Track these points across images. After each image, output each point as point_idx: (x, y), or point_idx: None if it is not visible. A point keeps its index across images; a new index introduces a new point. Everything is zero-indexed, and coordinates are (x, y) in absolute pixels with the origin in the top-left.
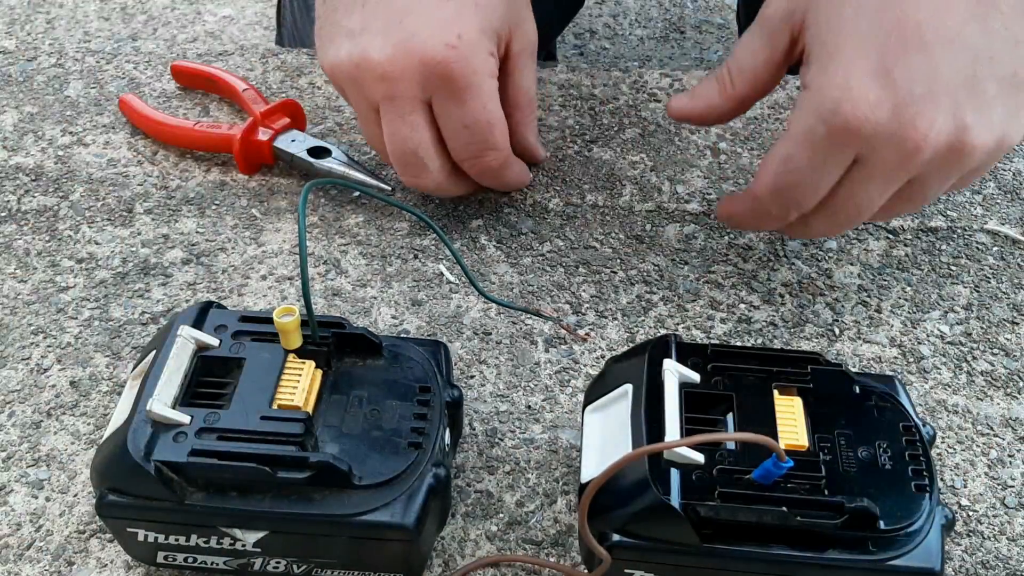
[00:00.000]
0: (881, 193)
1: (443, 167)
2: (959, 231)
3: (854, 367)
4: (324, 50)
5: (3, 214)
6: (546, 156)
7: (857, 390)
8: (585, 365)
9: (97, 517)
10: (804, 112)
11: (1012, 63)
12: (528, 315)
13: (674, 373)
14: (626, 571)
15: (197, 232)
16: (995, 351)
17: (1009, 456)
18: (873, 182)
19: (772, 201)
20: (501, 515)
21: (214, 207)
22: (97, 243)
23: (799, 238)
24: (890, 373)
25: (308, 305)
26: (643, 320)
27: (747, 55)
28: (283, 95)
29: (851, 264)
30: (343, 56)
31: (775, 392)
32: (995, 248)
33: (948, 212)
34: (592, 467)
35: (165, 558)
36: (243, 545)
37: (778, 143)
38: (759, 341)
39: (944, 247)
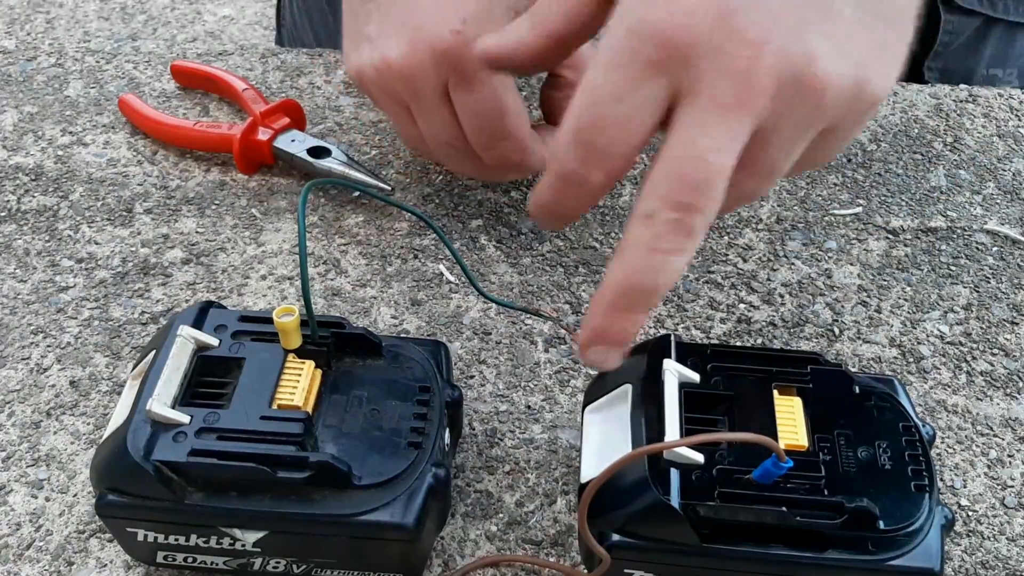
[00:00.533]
0: (716, 140)
1: (471, 151)
2: (959, 231)
3: (854, 367)
4: (349, 59)
5: (3, 214)
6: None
7: (857, 390)
8: (585, 365)
9: (97, 517)
10: (611, 29)
11: None
12: (528, 315)
13: (674, 373)
14: (626, 571)
15: (197, 232)
16: (995, 351)
17: (1009, 456)
18: (703, 124)
19: (573, 152)
20: (501, 515)
21: (214, 207)
22: (97, 243)
23: None
24: (890, 373)
25: (308, 305)
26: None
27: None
28: (283, 95)
29: (851, 264)
30: (366, 63)
31: (775, 392)
32: (995, 248)
33: (948, 212)
34: (592, 467)
35: (165, 558)
36: (243, 545)
37: (585, 76)
38: (759, 341)
39: (944, 247)
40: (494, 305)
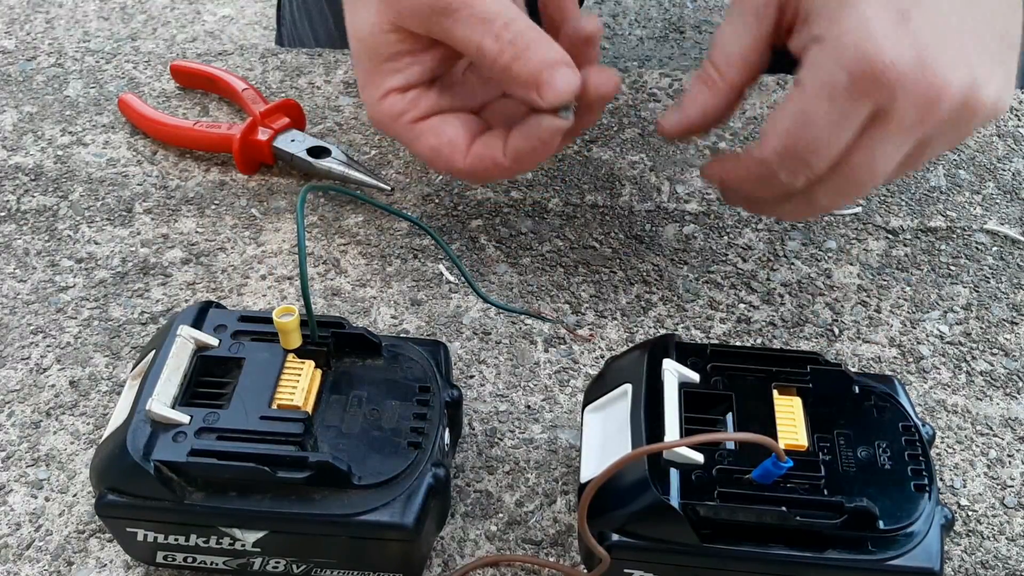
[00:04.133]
0: (897, 150)
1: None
2: (959, 231)
3: (853, 367)
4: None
5: (2, 214)
6: (591, 26)
7: (856, 390)
8: (585, 365)
9: (96, 517)
10: (820, 64)
11: (1004, 21)
12: (529, 316)
13: (674, 373)
14: (625, 571)
15: (196, 232)
16: (994, 351)
17: (1008, 456)
18: (890, 138)
19: (781, 164)
20: (501, 515)
21: (213, 207)
22: (96, 243)
23: (794, 218)
24: (889, 373)
25: (308, 305)
26: (643, 320)
27: (731, 40)
28: (283, 95)
29: (851, 264)
30: (348, 38)
31: (774, 392)
32: (995, 248)
33: (948, 212)
34: (591, 467)
35: (164, 558)
36: (243, 545)
37: (789, 100)
38: (759, 341)
39: (944, 247)
40: (494, 305)
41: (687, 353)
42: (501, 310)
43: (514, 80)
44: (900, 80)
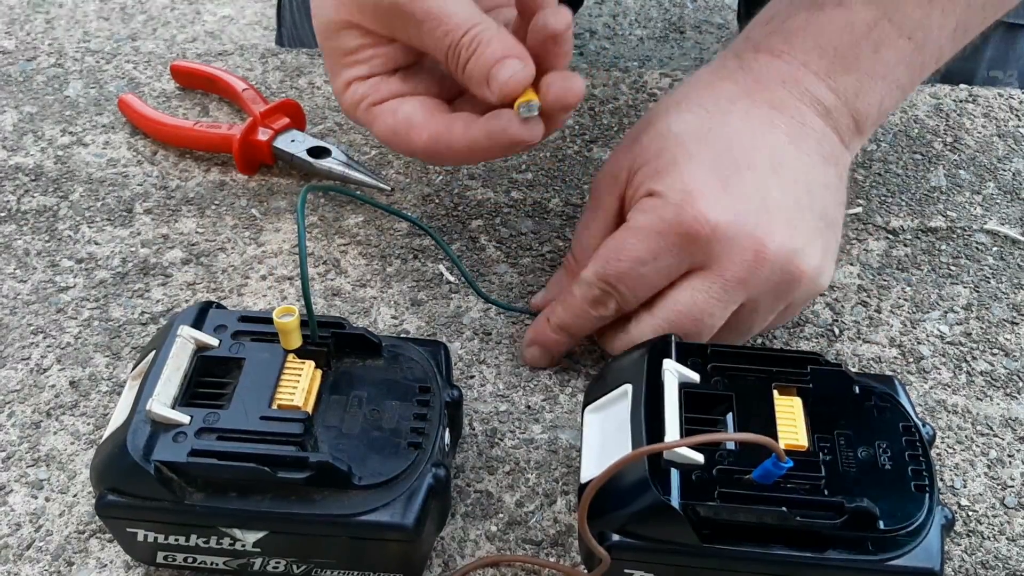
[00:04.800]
0: (721, 305)
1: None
2: (959, 231)
3: (854, 367)
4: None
5: (3, 214)
6: (560, 21)
7: (857, 390)
8: (585, 365)
9: (97, 517)
10: (648, 209)
11: (822, 201)
12: (529, 316)
13: (674, 373)
14: (626, 571)
15: (197, 232)
16: (995, 351)
17: (1009, 456)
18: (711, 289)
19: (599, 287)
20: (501, 515)
21: (214, 207)
22: (97, 243)
23: (612, 351)
24: (890, 373)
25: (308, 306)
26: None
27: (586, 235)
28: (283, 95)
29: (851, 264)
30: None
31: (775, 392)
32: (995, 248)
33: (948, 212)
34: (592, 467)
35: (165, 558)
36: (243, 545)
37: (617, 233)
38: (759, 341)
39: (944, 247)
40: (494, 305)
41: (687, 353)
42: (503, 310)
43: (469, 78)
44: (718, 237)
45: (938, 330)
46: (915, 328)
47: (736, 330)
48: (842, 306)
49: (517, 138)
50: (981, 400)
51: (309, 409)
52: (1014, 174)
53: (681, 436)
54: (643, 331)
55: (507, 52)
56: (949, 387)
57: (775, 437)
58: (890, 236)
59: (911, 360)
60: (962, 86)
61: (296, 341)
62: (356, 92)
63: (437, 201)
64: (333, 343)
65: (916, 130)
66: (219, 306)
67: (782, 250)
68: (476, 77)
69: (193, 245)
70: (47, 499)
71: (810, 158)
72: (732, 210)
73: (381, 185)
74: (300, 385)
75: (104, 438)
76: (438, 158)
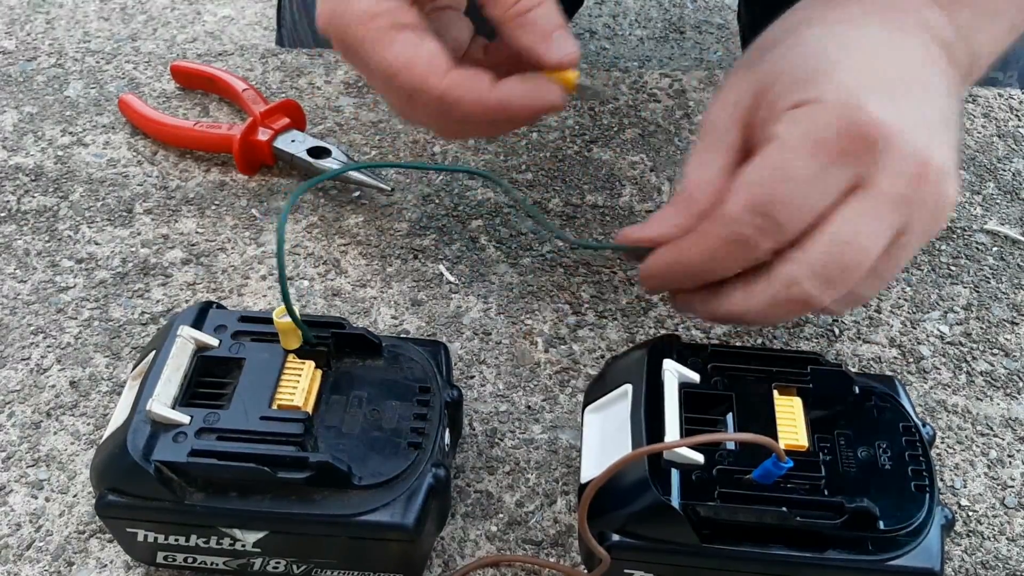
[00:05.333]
0: (881, 227)
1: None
2: (959, 231)
3: (854, 367)
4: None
5: (3, 214)
6: (566, 55)
7: (857, 390)
8: (585, 365)
9: (97, 517)
10: (802, 120)
11: (955, 133)
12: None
13: (674, 373)
14: (626, 571)
15: (197, 232)
16: (995, 351)
17: (1009, 456)
18: (874, 210)
19: (750, 221)
20: (501, 515)
21: (214, 207)
22: (97, 243)
23: (769, 315)
24: (890, 373)
25: (289, 307)
26: (643, 320)
27: (704, 173)
28: (283, 95)
29: None
30: (322, 13)
31: (775, 392)
32: (995, 248)
33: None
34: (592, 467)
35: (165, 558)
36: (243, 545)
37: (763, 155)
38: (759, 341)
39: (944, 247)
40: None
41: (687, 353)
42: (590, 249)
43: (525, 26)
44: (888, 143)
45: (938, 330)
46: (915, 328)
47: (887, 266)
48: None
49: (553, 105)
50: (981, 400)
51: (309, 409)
52: (1014, 174)
53: (681, 436)
54: (794, 273)
55: (565, 25)
56: (949, 387)
57: (775, 437)
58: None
59: (911, 360)
60: None
61: (296, 341)
62: (368, 5)
63: (437, 201)
64: (333, 343)
65: None
66: (219, 306)
67: (941, 170)
68: (539, 30)
69: (193, 245)
70: (47, 499)
71: (942, 86)
72: (899, 116)
73: (381, 185)
74: (300, 385)
75: (104, 438)
76: (449, 110)
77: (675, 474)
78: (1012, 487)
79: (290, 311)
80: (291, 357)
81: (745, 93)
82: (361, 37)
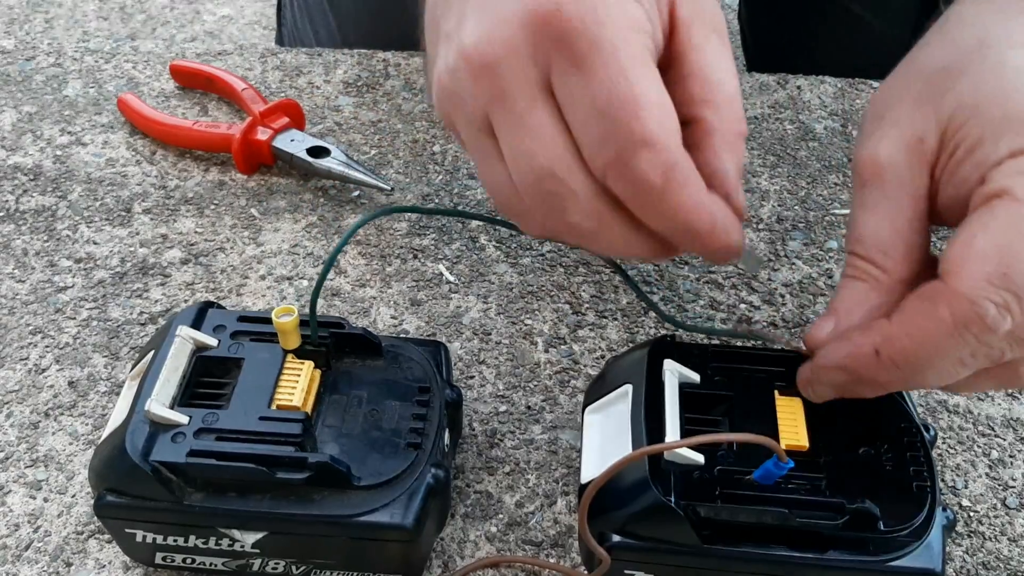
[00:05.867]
0: None
1: (598, 190)
2: None
3: None
4: (429, 78)
5: (1, 214)
6: (743, 205)
7: None
8: (585, 365)
9: (95, 518)
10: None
11: None
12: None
13: (674, 373)
14: (626, 572)
15: (196, 232)
16: None
17: (1010, 457)
18: None
19: (994, 298)
20: (501, 516)
21: (213, 207)
22: (95, 243)
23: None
24: None
25: (313, 309)
26: (643, 320)
27: (885, 231)
28: (282, 95)
29: None
30: (440, 72)
31: (776, 392)
32: None
33: None
34: (592, 468)
35: (164, 559)
36: (242, 546)
37: (997, 214)
38: (759, 341)
39: (944, 247)
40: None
41: (687, 353)
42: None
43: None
44: None
45: None
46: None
47: None
48: None
49: (730, 248)
50: (982, 400)
51: (308, 409)
52: None
53: (681, 436)
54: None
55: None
56: None
57: (776, 437)
58: None
59: None
60: None
61: (295, 341)
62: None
63: (437, 201)
64: (333, 343)
65: None
66: (218, 306)
67: None
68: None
69: (192, 245)
70: (45, 500)
71: None
72: None
73: (381, 185)
74: (299, 385)
75: (103, 438)
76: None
77: (675, 475)
78: (1013, 487)
79: (312, 311)
80: (290, 357)
81: (930, 131)
82: (610, 36)
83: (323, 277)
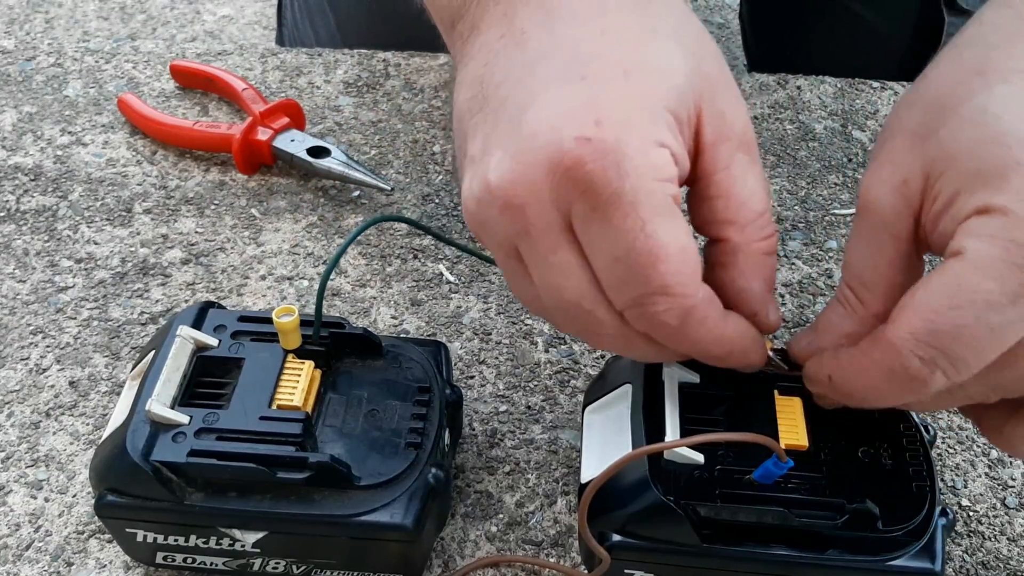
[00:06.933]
0: None
1: (624, 320)
2: None
3: None
4: (463, 196)
5: (2, 214)
6: (779, 320)
7: None
8: (585, 365)
9: (96, 517)
10: (988, 236)
11: None
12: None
13: (674, 373)
14: (626, 571)
15: (196, 232)
16: None
17: (1009, 456)
18: None
19: (919, 354)
20: (501, 515)
21: (213, 207)
22: (96, 243)
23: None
24: None
25: (319, 309)
26: None
27: (866, 264)
28: (282, 95)
29: None
30: (466, 195)
31: (775, 392)
32: None
33: None
34: (592, 467)
35: (164, 558)
36: (242, 545)
37: (941, 272)
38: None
39: None
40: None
41: None
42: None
43: (762, 267)
44: None
45: None
46: None
47: None
48: None
49: (751, 364)
50: None
51: (308, 409)
52: None
53: (681, 436)
54: (971, 392)
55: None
56: None
57: (776, 437)
58: None
59: None
60: None
61: (296, 341)
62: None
63: (437, 201)
64: (333, 343)
65: None
66: (218, 306)
67: None
68: (770, 280)
69: (192, 245)
70: (46, 499)
71: None
72: None
73: (381, 185)
74: (300, 385)
75: (103, 438)
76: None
77: (675, 474)
78: (1013, 487)
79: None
80: (291, 357)
81: (912, 176)
82: (631, 188)
83: (326, 277)
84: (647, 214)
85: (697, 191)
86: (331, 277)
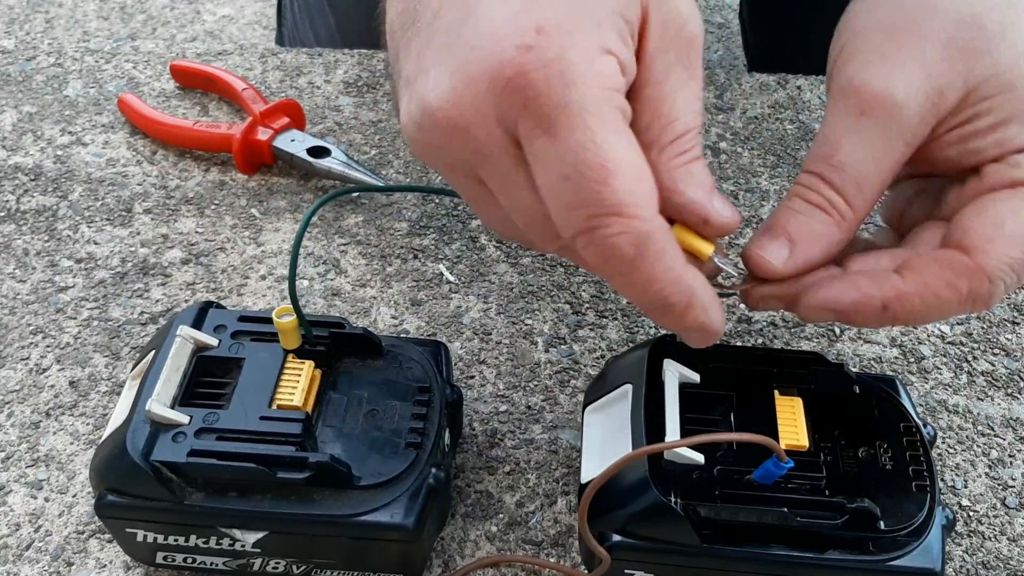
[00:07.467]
0: None
1: None
2: None
3: (854, 367)
4: (401, 121)
5: (2, 214)
6: (735, 214)
7: (858, 390)
8: (585, 365)
9: (96, 517)
10: None
11: None
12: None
13: (674, 373)
14: (626, 571)
15: (196, 232)
16: (995, 351)
17: (1010, 456)
18: None
19: (1008, 277)
20: (501, 515)
21: (213, 207)
22: (96, 243)
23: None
24: (891, 373)
25: (295, 304)
26: (643, 320)
27: (865, 162)
28: (282, 95)
29: None
30: (405, 120)
31: (775, 392)
32: None
33: None
34: (592, 467)
35: (164, 558)
36: (242, 545)
37: (1014, 198)
38: (759, 341)
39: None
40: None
41: (688, 353)
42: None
43: (691, 175)
44: None
45: (939, 330)
46: (916, 328)
47: None
48: None
49: (705, 327)
50: (982, 400)
51: (308, 409)
52: None
53: (681, 436)
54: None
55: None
56: (950, 387)
57: (776, 437)
58: None
59: (912, 360)
60: None
61: (296, 341)
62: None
63: (437, 201)
64: (333, 343)
65: None
66: (218, 306)
67: None
68: (705, 183)
69: (193, 245)
70: (46, 499)
71: None
72: None
73: (382, 185)
74: (300, 385)
75: (103, 438)
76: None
77: (676, 474)
78: (1013, 487)
79: (296, 309)
80: (291, 357)
81: (955, 88)
82: (578, 99)
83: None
84: (596, 125)
85: (639, 103)
86: (331, 277)
